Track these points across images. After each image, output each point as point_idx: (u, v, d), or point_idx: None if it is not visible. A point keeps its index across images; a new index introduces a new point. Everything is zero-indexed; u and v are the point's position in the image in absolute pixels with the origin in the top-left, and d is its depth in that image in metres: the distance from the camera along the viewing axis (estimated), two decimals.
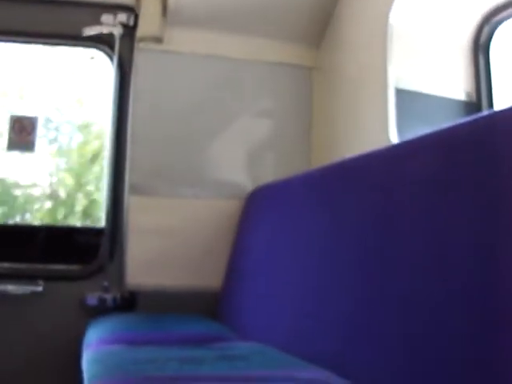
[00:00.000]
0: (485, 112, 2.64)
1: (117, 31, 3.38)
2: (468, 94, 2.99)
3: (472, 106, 2.98)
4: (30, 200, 4.00)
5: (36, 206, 4.07)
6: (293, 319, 2.28)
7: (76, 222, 4.12)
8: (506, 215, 1.33)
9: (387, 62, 2.78)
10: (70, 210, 4.07)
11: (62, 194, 4.09)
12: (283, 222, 2.62)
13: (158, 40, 3.31)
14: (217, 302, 3.17)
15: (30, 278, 3.21)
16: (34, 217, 4.09)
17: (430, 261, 1.55)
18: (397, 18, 2.77)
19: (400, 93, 2.78)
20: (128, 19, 3.40)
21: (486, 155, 1.44)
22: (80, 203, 4.10)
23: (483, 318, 1.33)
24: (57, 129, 4.00)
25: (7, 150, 3.44)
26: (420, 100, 2.89)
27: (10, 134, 3.41)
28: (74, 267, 3.36)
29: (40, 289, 3.19)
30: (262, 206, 3.02)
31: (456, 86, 3.00)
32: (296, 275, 2.33)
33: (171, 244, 3.22)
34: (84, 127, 4.08)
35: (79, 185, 4.13)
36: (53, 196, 4.05)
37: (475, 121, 1.57)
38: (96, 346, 2.43)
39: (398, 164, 1.87)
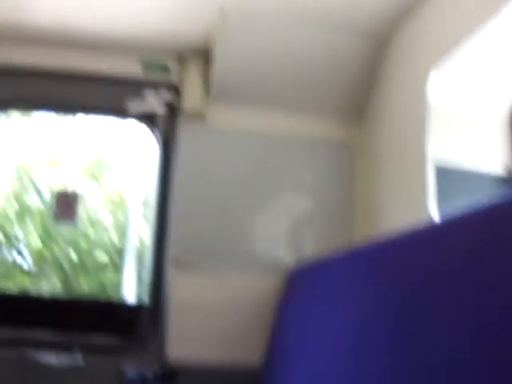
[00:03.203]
0: None
1: (160, 109, 3.47)
2: (508, 169, 2.99)
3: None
4: None
5: None
6: None
7: None
8: None
9: (426, 140, 2.81)
10: None
11: None
12: (325, 302, 2.60)
13: (201, 117, 3.41)
14: (257, 380, 3.14)
15: (69, 349, 3.22)
16: None
17: (473, 353, 1.48)
18: (434, 94, 2.81)
19: (439, 170, 2.80)
20: (171, 97, 3.49)
21: None
22: None
23: None
24: None
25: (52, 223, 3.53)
26: (459, 177, 2.90)
27: (55, 209, 3.51)
28: (114, 340, 3.37)
29: (78, 361, 3.19)
30: (303, 284, 3.01)
31: (495, 161, 3.00)
32: (340, 357, 2.30)
33: (212, 319, 3.22)
34: None
35: None
36: None
37: None
38: None
39: (439, 243, 1.86)
